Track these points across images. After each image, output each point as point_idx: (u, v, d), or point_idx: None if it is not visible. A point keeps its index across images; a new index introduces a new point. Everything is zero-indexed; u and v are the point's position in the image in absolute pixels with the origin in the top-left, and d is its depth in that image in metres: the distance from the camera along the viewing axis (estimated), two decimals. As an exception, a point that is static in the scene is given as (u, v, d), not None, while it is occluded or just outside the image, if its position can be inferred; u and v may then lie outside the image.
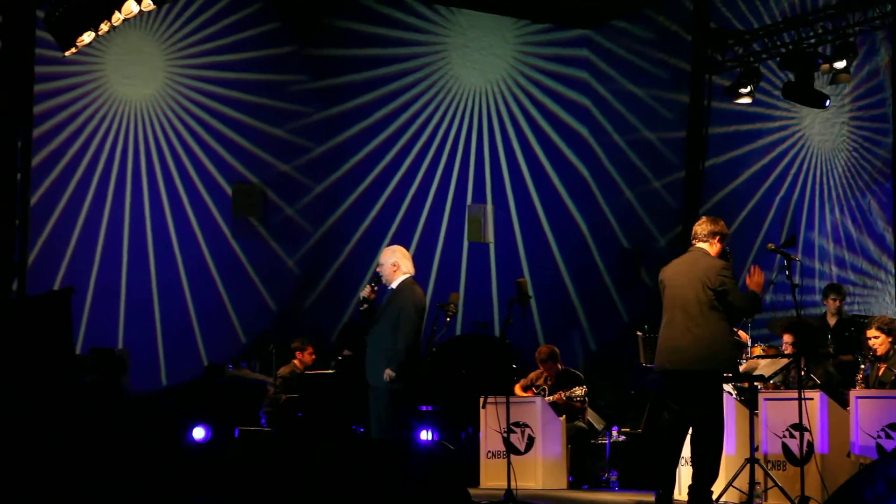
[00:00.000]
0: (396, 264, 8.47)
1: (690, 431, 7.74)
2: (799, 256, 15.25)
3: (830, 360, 9.79)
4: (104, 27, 9.78)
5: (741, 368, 8.67)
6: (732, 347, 7.90)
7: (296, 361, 11.57)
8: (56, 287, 11.97)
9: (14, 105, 10.11)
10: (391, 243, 9.89)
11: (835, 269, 16.25)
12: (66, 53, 10.19)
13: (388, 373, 8.26)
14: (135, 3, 9.53)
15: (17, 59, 10.07)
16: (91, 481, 8.29)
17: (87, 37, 9.91)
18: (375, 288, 8.48)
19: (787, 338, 9.38)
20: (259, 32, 13.65)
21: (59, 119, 12.67)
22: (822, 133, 16.35)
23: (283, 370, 11.52)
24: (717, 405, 7.68)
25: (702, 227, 7.89)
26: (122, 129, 13.04)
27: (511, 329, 8.95)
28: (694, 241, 7.90)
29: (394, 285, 8.44)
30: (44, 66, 11.67)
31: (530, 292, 9.11)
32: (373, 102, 14.21)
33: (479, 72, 14.82)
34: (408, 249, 8.61)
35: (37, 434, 8.53)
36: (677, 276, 7.81)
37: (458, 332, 13.58)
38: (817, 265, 16.18)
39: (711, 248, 7.82)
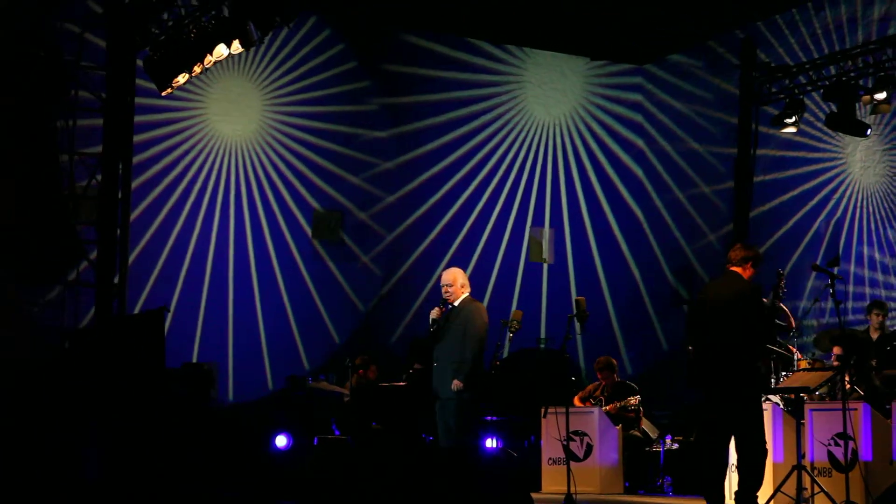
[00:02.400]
0: (464, 284, 8.68)
1: (734, 439, 7.78)
2: (842, 274, 15.16)
3: (874, 372, 9.75)
4: (197, 69, 10.09)
5: (786, 382, 8.69)
6: (759, 376, 7.90)
7: (360, 373, 11.75)
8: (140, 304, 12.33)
9: (117, 142, 10.48)
10: (455, 264, 10.08)
11: (883, 291, 16.11)
12: (163, 93, 10.52)
13: (457, 383, 8.40)
14: (224, 47, 9.81)
15: (120, 102, 10.44)
16: (192, 487, 8.49)
17: (182, 78, 10.23)
18: (443, 309, 8.66)
19: (836, 350, 9.38)
20: (345, 90, 14.00)
21: (159, 150, 13.09)
22: (864, 161, 16.27)
23: (353, 381, 11.69)
24: (757, 417, 7.69)
25: (736, 252, 7.94)
26: (214, 163, 13.45)
27: (570, 344, 9.04)
28: (728, 266, 7.98)
29: (457, 303, 8.64)
30: (151, 114, 12.07)
31: (588, 310, 9.21)
32: (446, 145, 14.52)
33: (542, 106, 15.04)
34: (471, 269, 8.82)
35: (134, 442, 8.79)
36: (713, 297, 7.85)
37: (518, 347, 13.71)
38: (867, 288, 16.07)
39: (745, 272, 7.86)
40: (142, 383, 9.29)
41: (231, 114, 13.39)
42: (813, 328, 13.73)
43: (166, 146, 13.07)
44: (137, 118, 11.21)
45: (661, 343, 15.11)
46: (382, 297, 14.01)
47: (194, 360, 12.79)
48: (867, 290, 16.07)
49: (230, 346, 13.23)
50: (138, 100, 11.12)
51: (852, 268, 16.08)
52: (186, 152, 13.23)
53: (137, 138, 11.43)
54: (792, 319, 9.80)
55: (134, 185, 11.37)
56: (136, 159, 11.42)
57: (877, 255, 16.29)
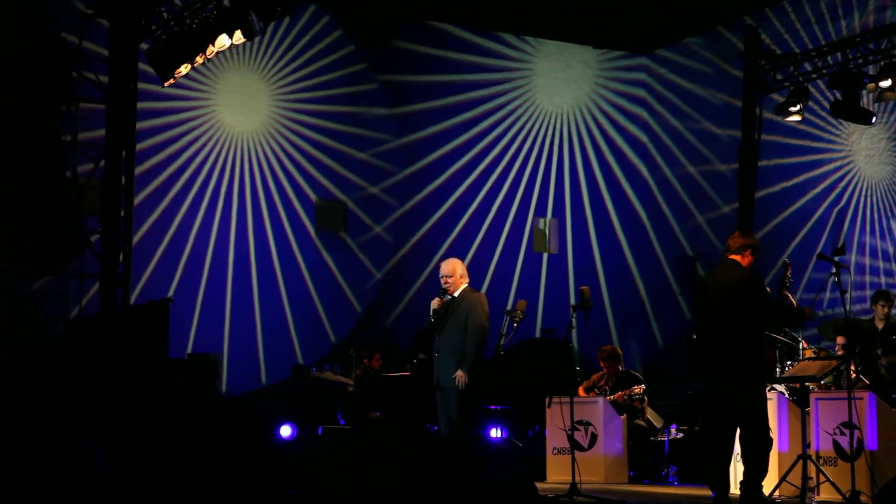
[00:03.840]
0: (462, 275, 8.68)
1: (739, 430, 7.75)
2: (847, 262, 15.12)
3: (879, 361, 9.70)
4: (199, 59, 10.04)
5: (790, 371, 8.65)
6: (763, 362, 7.86)
7: (365, 363, 11.74)
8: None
9: (120, 134, 10.44)
10: (453, 255, 10.05)
11: (883, 278, 16.04)
12: (166, 84, 10.47)
13: (461, 375, 8.38)
14: (226, 37, 9.76)
15: (123, 91, 10.39)
16: (197, 478, 8.47)
17: (184, 68, 10.18)
18: (444, 300, 8.65)
19: (840, 339, 9.35)
20: (346, 73, 13.93)
21: (176, 149, 13.07)
22: (868, 149, 16.18)
23: (358, 371, 11.68)
24: (761, 406, 7.66)
25: (735, 240, 7.90)
26: (227, 155, 13.43)
27: (581, 333, 9.01)
28: (727, 254, 7.93)
29: (457, 294, 8.62)
30: (155, 101, 12.04)
31: (592, 300, 9.17)
32: (450, 129, 14.46)
33: (545, 95, 14.98)
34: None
35: (139, 431, 8.77)
36: (713, 286, 7.82)
37: (523, 337, 13.67)
38: (868, 277, 16.01)
39: (743, 259, 7.83)
40: (146, 374, 9.27)
41: (234, 104, 13.34)
42: (817, 318, 13.68)
43: (170, 136, 13.03)
44: (142, 105, 11.16)
45: (656, 338, 15.07)
46: (382, 287, 13.95)
47: (189, 350, 12.77)
48: (869, 279, 16.02)
49: (226, 338, 13.20)
50: (144, 86, 11.08)
51: (854, 258, 16.02)
52: (191, 143, 13.19)
53: (141, 125, 11.38)
54: (808, 309, 9.74)
55: (137, 173, 11.34)
56: (139, 147, 11.37)
57: (880, 245, 16.23)
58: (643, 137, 15.25)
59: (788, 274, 8.53)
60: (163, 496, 8.04)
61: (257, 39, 12.33)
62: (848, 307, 8.12)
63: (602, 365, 11.21)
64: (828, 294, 9.07)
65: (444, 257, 9.63)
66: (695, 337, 7.83)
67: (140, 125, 11.18)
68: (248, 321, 13.32)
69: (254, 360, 13.33)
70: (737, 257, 7.82)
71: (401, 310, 13.96)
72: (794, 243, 15.52)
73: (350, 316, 13.78)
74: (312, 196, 13.70)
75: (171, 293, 12.78)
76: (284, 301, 13.54)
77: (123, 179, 10.54)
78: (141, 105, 11.12)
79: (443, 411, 8.65)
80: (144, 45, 10.58)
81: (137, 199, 12.44)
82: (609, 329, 14.84)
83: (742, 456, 7.78)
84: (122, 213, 10.49)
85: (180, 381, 10.15)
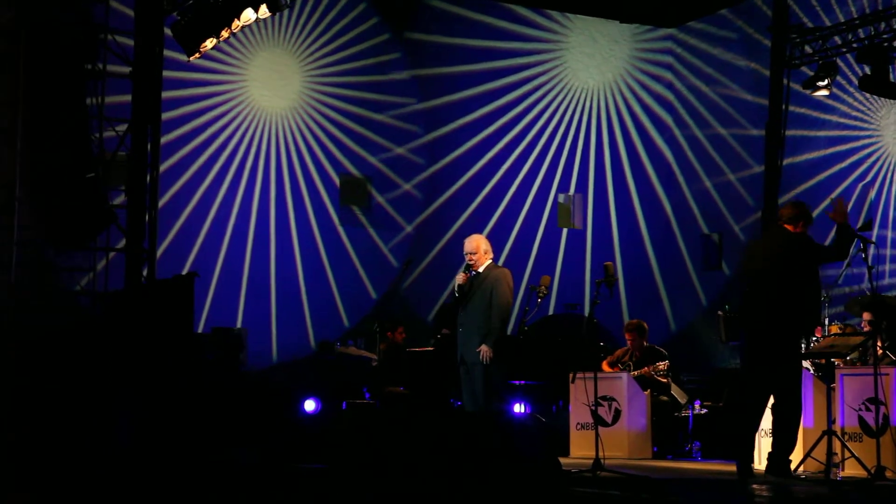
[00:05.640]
0: (487, 251, 8.70)
1: (771, 402, 7.77)
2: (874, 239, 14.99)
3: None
4: (224, 34, 10.04)
5: (817, 347, 8.63)
6: (810, 313, 7.97)
7: (389, 337, 11.78)
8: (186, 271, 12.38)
9: (146, 110, 10.47)
10: (472, 231, 10.09)
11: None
12: (191, 58, 10.49)
13: (485, 350, 8.40)
14: (252, 11, 9.77)
15: (148, 68, 10.42)
16: (216, 448, 8.56)
17: (210, 43, 10.19)
18: (468, 275, 8.68)
19: (866, 315, 9.32)
20: (379, 62, 14.04)
21: (202, 122, 13.12)
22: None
23: (382, 345, 11.72)
24: (796, 379, 7.70)
25: (788, 210, 8.09)
26: (248, 131, 13.46)
27: (598, 309, 9.02)
28: (779, 222, 8.07)
29: (481, 269, 8.64)
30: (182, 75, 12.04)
31: (617, 275, 9.16)
32: (472, 99, 14.43)
33: (571, 71, 14.92)
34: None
35: (166, 405, 8.86)
36: (760, 248, 8.02)
37: (550, 312, 13.69)
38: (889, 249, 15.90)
39: (795, 229, 7.96)
40: (171, 348, 9.35)
41: (264, 79, 13.39)
42: (845, 295, 13.60)
43: (197, 108, 13.10)
44: (169, 74, 11.22)
45: (668, 322, 15.05)
46: (409, 265, 13.99)
47: (239, 324, 12.86)
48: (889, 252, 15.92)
49: (240, 313, 13.27)
50: (168, 72, 11.13)
51: (889, 232, 15.90)
52: (218, 118, 13.27)
53: (168, 95, 11.45)
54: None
55: (163, 142, 11.40)
56: (166, 117, 11.43)
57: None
58: (669, 119, 15.20)
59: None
60: (188, 470, 8.13)
61: (286, 14, 12.39)
62: (874, 283, 8.08)
63: (627, 337, 11.18)
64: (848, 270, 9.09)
65: (464, 234, 9.67)
66: (720, 313, 7.89)
67: (167, 95, 11.23)
68: (264, 297, 13.39)
69: (267, 335, 13.41)
70: (788, 227, 7.93)
71: (421, 283, 13.99)
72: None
73: (367, 293, 13.83)
74: (334, 176, 13.74)
75: (187, 267, 12.89)
76: (300, 278, 13.61)
77: (150, 154, 10.58)
78: (168, 74, 11.16)
79: (467, 387, 8.69)
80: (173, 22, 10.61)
81: (180, 182, 12.60)
82: (622, 306, 14.86)
83: (773, 428, 7.80)
84: (148, 188, 10.53)
85: (204, 355, 10.24)
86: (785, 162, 13.58)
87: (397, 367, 11.16)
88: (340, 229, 13.74)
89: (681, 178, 15.26)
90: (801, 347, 8.13)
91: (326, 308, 13.61)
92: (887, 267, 15.41)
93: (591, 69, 14.99)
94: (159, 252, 12.52)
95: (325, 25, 13.79)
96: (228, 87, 13.27)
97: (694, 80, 15.28)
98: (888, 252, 15.84)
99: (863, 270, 8.03)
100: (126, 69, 10.51)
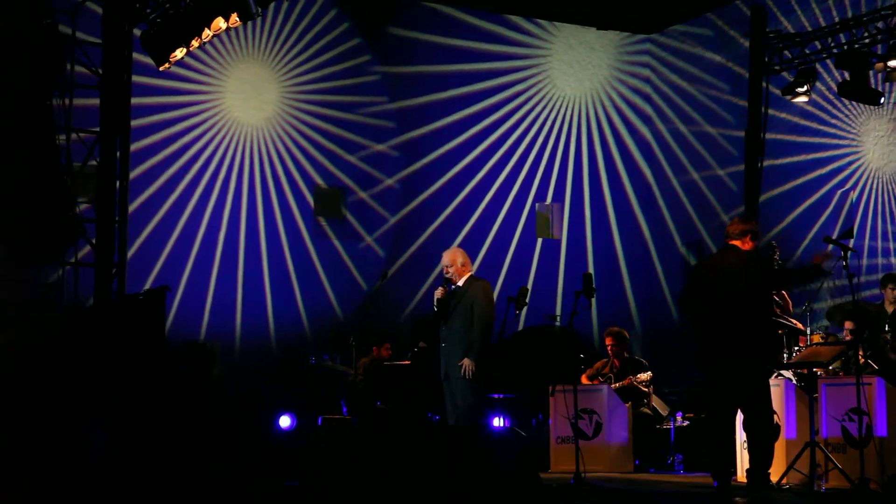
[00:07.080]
0: (465, 263, 8.64)
1: (742, 418, 7.73)
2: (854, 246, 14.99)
3: (889, 346, 9.62)
4: (195, 43, 9.93)
5: (798, 357, 8.58)
6: (773, 339, 7.89)
7: (374, 353, 11.67)
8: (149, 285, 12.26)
9: (115, 120, 10.35)
10: (463, 241, 10.02)
11: (893, 260, 15.96)
12: (161, 69, 10.37)
13: (468, 364, 8.35)
14: (222, 20, 9.66)
15: (116, 78, 10.31)
16: (189, 464, 8.45)
17: (180, 53, 10.08)
18: (447, 289, 8.61)
19: (848, 325, 9.29)
20: (352, 65, 13.91)
21: (171, 133, 13.01)
22: (877, 131, 16.08)
23: (363, 360, 11.62)
24: (764, 390, 7.66)
25: (734, 226, 8.00)
26: (224, 143, 13.38)
27: (577, 320, 8.95)
28: (727, 240, 7.95)
29: (461, 283, 8.57)
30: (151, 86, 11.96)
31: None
32: (447, 100, 14.39)
33: (550, 78, 14.91)
34: (481, 246, 8.78)
35: (138, 420, 8.74)
36: (715, 272, 7.86)
37: (526, 324, 13.61)
38: (880, 259, 15.92)
39: (743, 245, 7.90)
40: (142, 363, 9.23)
41: (236, 90, 13.28)
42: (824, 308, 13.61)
43: (179, 129, 13.03)
44: (137, 99, 11.10)
45: (672, 317, 15.02)
46: (385, 275, 13.91)
47: (202, 337, 12.73)
48: (870, 261, 15.93)
49: (203, 325, 13.16)
50: (142, 78, 10.95)
51: (866, 241, 15.93)
52: (195, 134, 13.18)
53: (138, 120, 11.34)
54: (789, 301, 9.71)
55: (149, 165, 11.31)
56: (148, 140, 11.35)
57: (889, 228, 16.13)
58: (646, 132, 15.18)
59: (776, 257, 8.44)
60: (160, 484, 8.02)
61: (258, 24, 12.29)
62: (855, 292, 8.03)
63: (607, 342, 11.07)
64: (822, 284, 9.06)
65: (437, 244, 9.61)
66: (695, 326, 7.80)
67: (138, 102, 11.11)
68: (229, 310, 13.29)
69: (266, 346, 13.33)
70: (737, 243, 7.87)
71: (395, 297, 13.91)
72: (788, 219, 15.42)
73: (345, 305, 13.74)
74: (318, 181, 13.68)
75: (184, 280, 12.78)
76: (296, 290, 13.53)
77: (119, 165, 10.46)
78: (140, 80, 11.04)
79: (449, 401, 8.61)
80: (138, 32, 10.50)
81: (149, 192, 12.47)
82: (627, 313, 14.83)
83: (748, 444, 7.75)
84: (118, 200, 10.40)
85: (176, 369, 10.11)
86: (765, 163, 13.60)
87: (377, 382, 11.07)
88: (309, 243, 13.67)
89: (657, 192, 15.27)
90: (774, 357, 8.08)
91: (292, 322, 13.52)
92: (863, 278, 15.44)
93: (569, 77, 14.96)
94: (155, 269, 12.50)
95: (295, 30, 13.70)
96: (201, 96, 13.16)
97: (671, 94, 15.28)
98: (865, 262, 15.87)
99: (844, 283, 7.99)
100: (94, 75, 10.39)
